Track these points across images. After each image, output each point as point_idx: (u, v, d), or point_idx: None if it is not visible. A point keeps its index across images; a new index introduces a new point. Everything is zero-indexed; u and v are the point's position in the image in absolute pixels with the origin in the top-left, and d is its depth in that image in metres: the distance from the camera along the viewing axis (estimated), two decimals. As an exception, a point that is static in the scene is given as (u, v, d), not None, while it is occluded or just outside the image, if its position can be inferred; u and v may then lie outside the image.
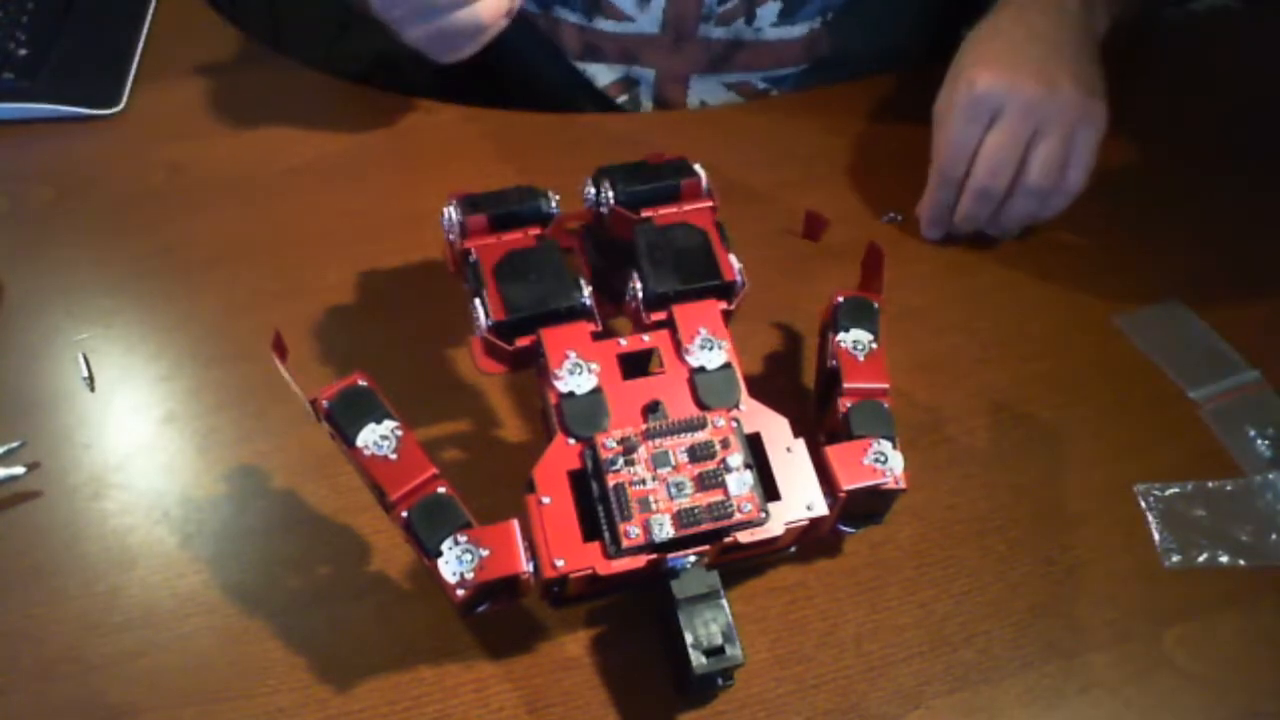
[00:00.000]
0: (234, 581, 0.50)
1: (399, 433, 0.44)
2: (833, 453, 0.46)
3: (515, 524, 0.43)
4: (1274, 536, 0.53)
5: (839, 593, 0.51)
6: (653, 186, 0.52)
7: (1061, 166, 0.62)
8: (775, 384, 0.59)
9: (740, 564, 0.49)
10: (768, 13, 0.75)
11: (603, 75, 0.79)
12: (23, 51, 0.75)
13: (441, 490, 0.44)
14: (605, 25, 0.77)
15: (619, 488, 0.44)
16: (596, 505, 0.44)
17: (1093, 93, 0.63)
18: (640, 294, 0.49)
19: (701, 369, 0.47)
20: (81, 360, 0.59)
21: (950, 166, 0.63)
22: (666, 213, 0.51)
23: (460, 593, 0.42)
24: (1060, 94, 0.61)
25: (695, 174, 0.52)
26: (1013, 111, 0.61)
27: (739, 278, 0.50)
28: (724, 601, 0.44)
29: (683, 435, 0.46)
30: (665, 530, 0.43)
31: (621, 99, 0.80)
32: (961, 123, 0.62)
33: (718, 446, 0.45)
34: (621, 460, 0.44)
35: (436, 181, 0.69)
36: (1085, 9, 0.66)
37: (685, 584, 0.44)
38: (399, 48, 0.65)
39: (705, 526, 0.44)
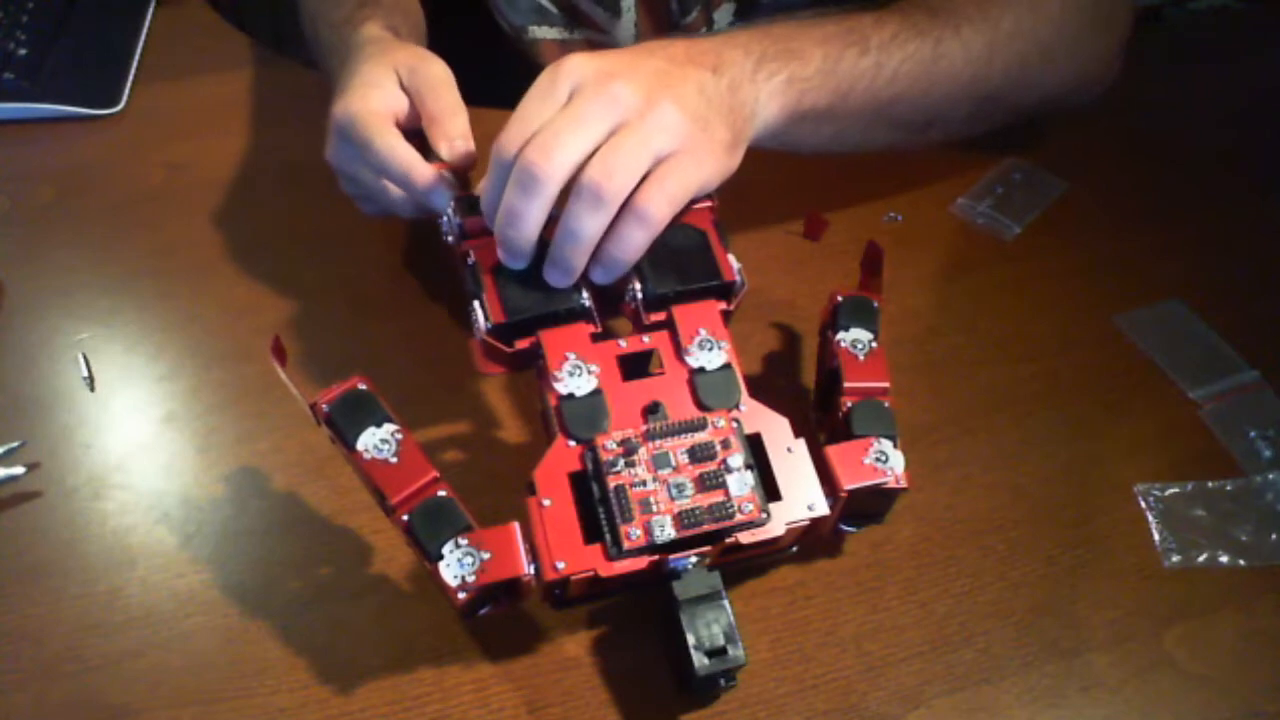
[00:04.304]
0: (234, 581, 0.50)
1: (399, 436, 0.44)
2: (833, 452, 0.46)
3: (516, 526, 0.43)
4: (1274, 536, 0.53)
5: (839, 593, 0.51)
6: (652, 187, 0.52)
7: (634, 177, 0.47)
8: (775, 384, 0.59)
9: (741, 564, 0.49)
10: (723, 15, 0.74)
11: None
12: (23, 51, 0.75)
13: (442, 493, 0.44)
14: (581, 35, 0.76)
15: (620, 489, 0.44)
16: (597, 507, 0.44)
17: (726, 142, 0.51)
18: (640, 295, 0.49)
19: (701, 369, 0.47)
20: (81, 360, 0.59)
21: (501, 145, 0.48)
22: (666, 213, 0.51)
23: (462, 596, 0.42)
24: (673, 110, 0.48)
25: (695, 174, 0.52)
26: (592, 89, 0.47)
27: (739, 278, 0.50)
28: (726, 602, 0.44)
29: (683, 436, 0.46)
30: (666, 531, 0.43)
31: None
32: (530, 96, 0.49)
33: (718, 447, 0.45)
34: (622, 462, 0.44)
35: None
36: (786, 81, 0.55)
37: (687, 585, 0.44)
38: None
39: (706, 527, 0.44)
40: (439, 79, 0.57)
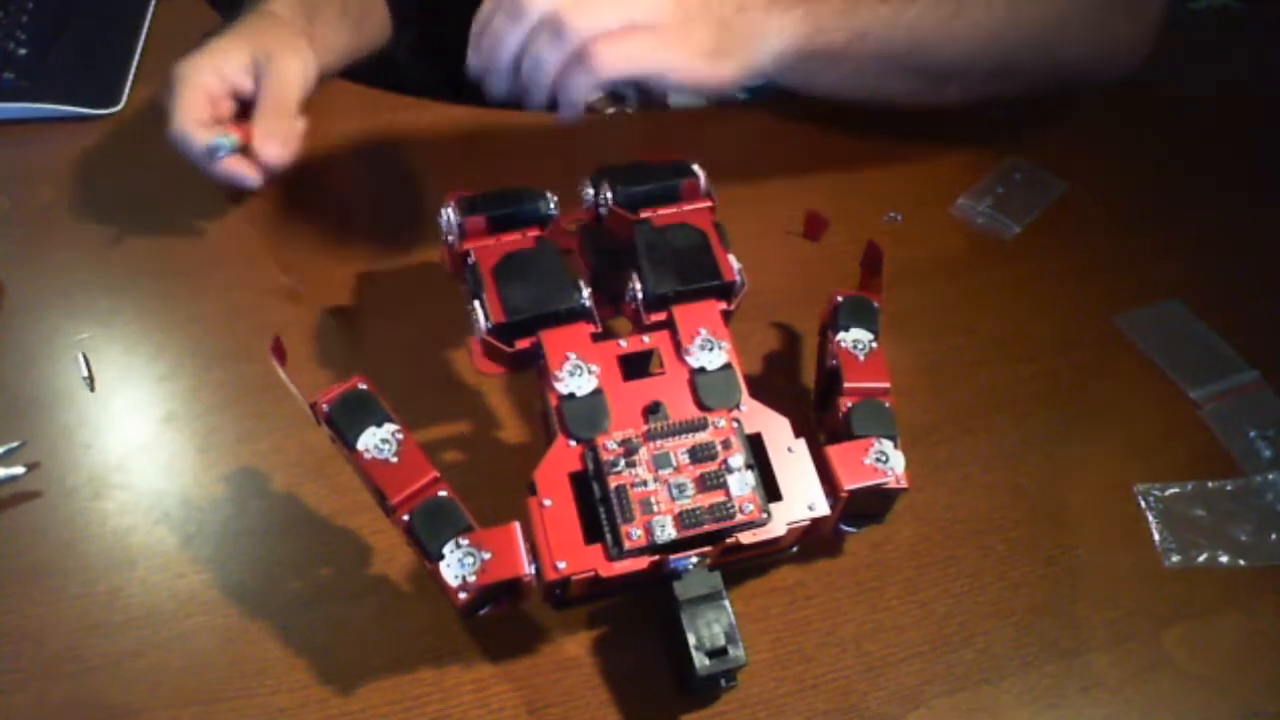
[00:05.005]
0: (234, 581, 0.50)
1: (399, 436, 0.44)
2: (834, 453, 0.46)
3: (517, 526, 0.43)
4: (1274, 536, 0.53)
5: (839, 593, 0.51)
6: (652, 187, 0.52)
7: (599, 25, 0.51)
8: (775, 384, 0.59)
9: (741, 564, 0.49)
10: None
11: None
12: (23, 51, 0.75)
13: (443, 493, 0.44)
14: None
15: (620, 489, 0.44)
16: (598, 507, 0.44)
17: (705, 48, 0.53)
18: (640, 295, 0.49)
19: (702, 369, 0.47)
20: (81, 360, 0.59)
21: None
22: (666, 213, 0.51)
23: (462, 596, 0.42)
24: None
25: (694, 174, 0.52)
26: None
27: (739, 278, 0.50)
28: (726, 602, 0.44)
29: (684, 436, 0.46)
30: (667, 531, 0.43)
31: (610, 111, 0.79)
32: None
33: (719, 447, 0.45)
34: (623, 462, 0.44)
35: (435, 182, 0.69)
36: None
37: (687, 585, 0.44)
38: (399, 48, 0.65)
39: (707, 527, 0.44)
40: (285, 75, 0.62)
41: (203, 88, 0.62)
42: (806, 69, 0.59)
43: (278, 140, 0.62)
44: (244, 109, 0.65)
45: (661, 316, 0.49)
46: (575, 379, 0.46)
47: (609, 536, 0.43)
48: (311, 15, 0.69)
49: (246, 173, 0.62)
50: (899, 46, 0.61)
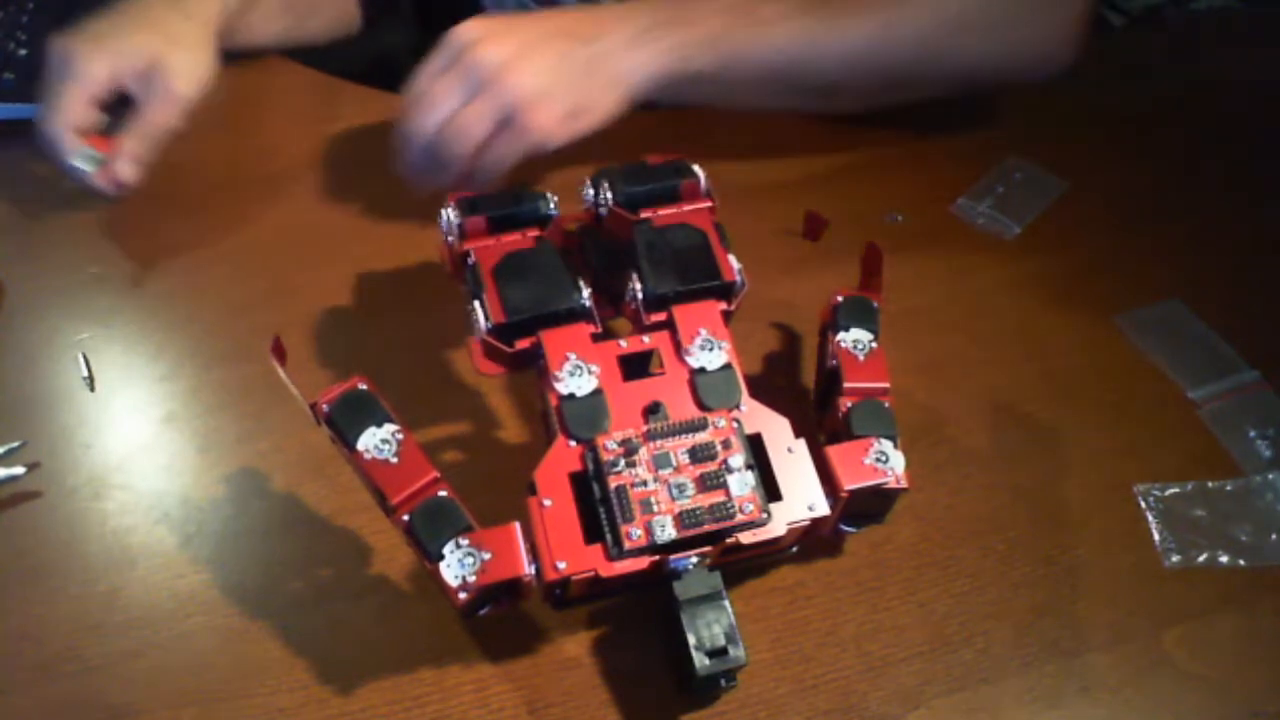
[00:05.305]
0: (234, 581, 0.50)
1: (399, 436, 0.44)
2: (834, 453, 0.46)
3: (517, 527, 0.43)
4: (1274, 536, 0.53)
5: (839, 593, 0.51)
6: (652, 187, 0.52)
7: (474, 139, 0.57)
8: (775, 384, 0.59)
9: (741, 564, 0.49)
10: None
11: None
12: (23, 51, 0.75)
13: (442, 493, 0.44)
14: None
15: (620, 489, 0.44)
16: (598, 507, 0.44)
17: (565, 111, 0.58)
18: (640, 295, 0.49)
19: (702, 370, 0.47)
20: (81, 360, 0.59)
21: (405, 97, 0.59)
22: (666, 213, 0.51)
23: (462, 596, 0.42)
24: (520, 80, 0.57)
25: (694, 174, 0.52)
26: (466, 57, 0.57)
27: (739, 278, 0.50)
28: (726, 602, 0.44)
29: (684, 436, 0.46)
30: (667, 531, 0.43)
31: None
32: (431, 57, 0.59)
33: (719, 447, 0.45)
34: (623, 462, 0.44)
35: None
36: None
37: (687, 585, 0.44)
38: (399, 48, 0.65)
39: (707, 527, 0.44)
40: (171, 95, 0.62)
41: (90, 87, 0.61)
42: (684, 92, 0.62)
43: (139, 165, 0.62)
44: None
45: (661, 316, 0.49)
46: (575, 379, 0.46)
47: (609, 536, 0.43)
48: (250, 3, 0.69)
49: (104, 187, 0.61)
50: (774, 66, 0.62)
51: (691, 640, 0.43)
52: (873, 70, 0.64)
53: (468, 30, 0.58)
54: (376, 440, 0.44)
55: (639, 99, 0.61)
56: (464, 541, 0.42)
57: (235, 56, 0.70)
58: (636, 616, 0.49)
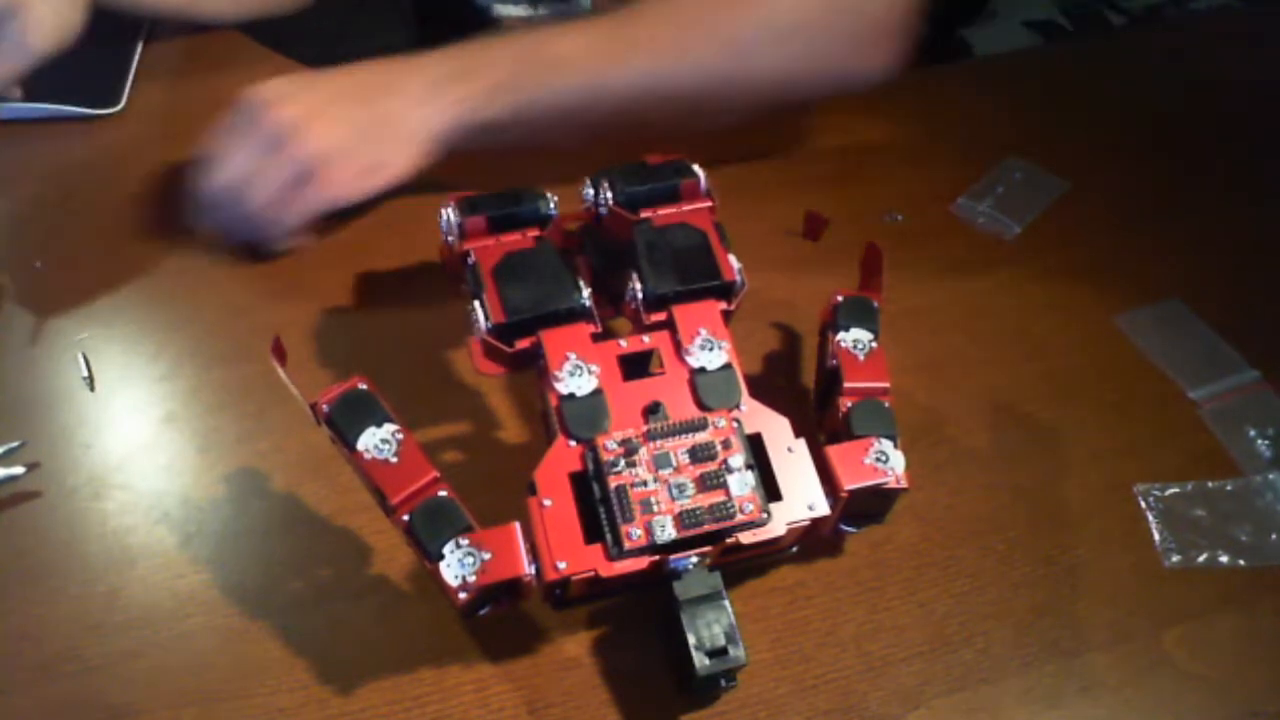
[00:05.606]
0: (234, 581, 0.50)
1: (399, 436, 0.44)
2: (834, 452, 0.46)
3: (517, 526, 0.43)
4: (1274, 536, 0.53)
5: (839, 593, 0.51)
6: (652, 187, 0.52)
7: (268, 198, 0.60)
8: (775, 384, 0.59)
9: (741, 564, 0.49)
10: None
11: None
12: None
13: (442, 493, 0.44)
14: (545, 10, 0.77)
15: (620, 489, 0.44)
16: (598, 507, 0.44)
17: (361, 168, 0.60)
18: (640, 295, 0.49)
19: (702, 370, 0.47)
20: (81, 360, 0.59)
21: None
22: (666, 213, 0.51)
23: (462, 596, 0.42)
24: (311, 141, 0.59)
25: (694, 174, 0.52)
26: (256, 119, 0.59)
27: (739, 278, 0.50)
28: (726, 602, 0.44)
29: (684, 436, 0.46)
30: (667, 531, 0.43)
31: None
32: (228, 119, 0.61)
33: (719, 447, 0.45)
34: (623, 462, 0.44)
35: (434, 182, 0.69)
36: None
37: (687, 585, 0.44)
38: (398, 47, 0.65)
39: (707, 527, 0.44)
40: (16, 41, 0.63)
41: None
42: (485, 139, 0.62)
43: None
44: None
45: (661, 316, 0.49)
46: (575, 379, 0.46)
47: (609, 536, 0.43)
48: None
49: None
50: (568, 106, 0.62)
51: (691, 640, 0.43)
52: (669, 100, 0.63)
53: (263, 91, 0.60)
54: (376, 440, 0.44)
55: (441, 151, 0.62)
56: (464, 541, 0.42)
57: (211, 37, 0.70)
58: (636, 616, 0.49)
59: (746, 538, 0.44)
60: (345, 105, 0.61)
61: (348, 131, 0.60)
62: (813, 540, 0.50)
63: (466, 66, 0.62)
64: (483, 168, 0.70)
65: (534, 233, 0.51)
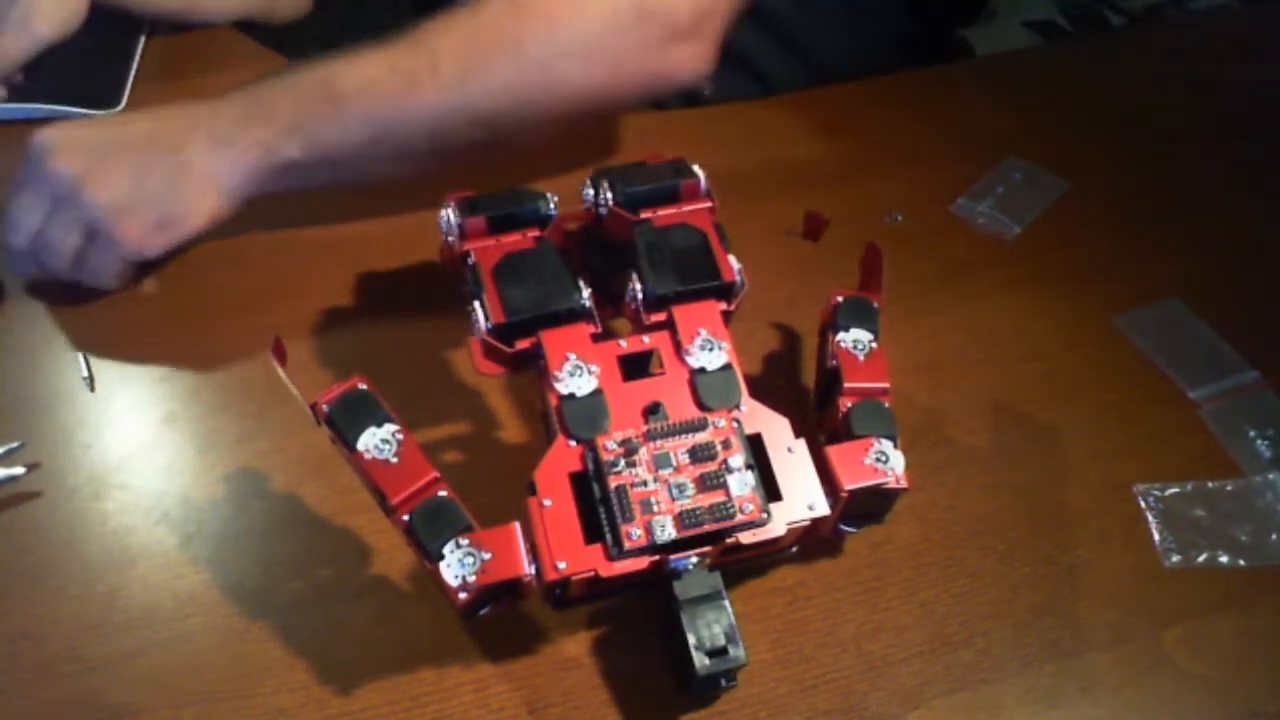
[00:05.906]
0: (234, 581, 0.50)
1: (399, 436, 0.44)
2: (834, 453, 0.46)
3: (517, 526, 0.43)
4: (1274, 536, 0.53)
5: (839, 593, 0.51)
6: (651, 187, 0.52)
7: (60, 252, 0.59)
8: (775, 384, 0.59)
9: (741, 564, 0.49)
10: None
11: None
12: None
13: (442, 493, 0.44)
14: None
15: (620, 489, 0.44)
16: (598, 507, 0.44)
17: (151, 223, 0.59)
18: (640, 295, 0.49)
19: (702, 370, 0.47)
20: (81, 360, 0.59)
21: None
22: (666, 213, 0.51)
23: (462, 596, 0.42)
24: (94, 197, 0.57)
25: (694, 174, 0.52)
26: (39, 170, 0.58)
27: (739, 278, 0.50)
28: (726, 602, 0.44)
29: (684, 436, 0.46)
30: (667, 531, 0.43)
31: None
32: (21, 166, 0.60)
33: (719, 447, 0.45)
34: (623, 462, 0.44)
35: (435, 182, 0.69)
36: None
37: (687, 585, 0.44)
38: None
39: (707, 527, 0.44)
40: (20, 25, 0.63)
41: None
42: (289, 180, 0.61)
43: None
44: None
45: (661, 317, 0.49)
46: (575, 379, 0.46)
47: (609, 536, 0.43)
48: None
49: None
50: (360, 141, 0.60)
51: (691, 640, 0.43)
52: (473, 124, 0.61)
53: (43, 138, 0.58)
54: (376, 440, 0.44)
55: (242, 198, 0.61)
56: (464, 541, 0.42)
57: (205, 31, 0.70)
58: (636, 616, 0.49)
59: (746, 538, 0.44)
60: (133, 154, 0.59)
61: (132, 184, 0.58)
62: (813, 540, 0.50)
63: (258, 110, 0.60)
64: (483, 168, 0.70)
65: (534, 233, 0.51)
